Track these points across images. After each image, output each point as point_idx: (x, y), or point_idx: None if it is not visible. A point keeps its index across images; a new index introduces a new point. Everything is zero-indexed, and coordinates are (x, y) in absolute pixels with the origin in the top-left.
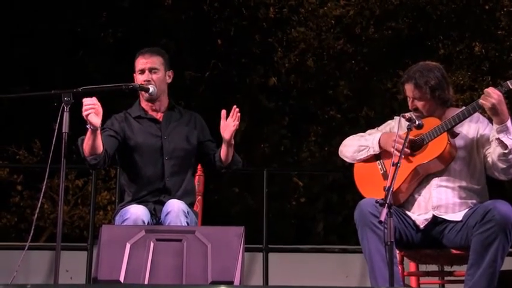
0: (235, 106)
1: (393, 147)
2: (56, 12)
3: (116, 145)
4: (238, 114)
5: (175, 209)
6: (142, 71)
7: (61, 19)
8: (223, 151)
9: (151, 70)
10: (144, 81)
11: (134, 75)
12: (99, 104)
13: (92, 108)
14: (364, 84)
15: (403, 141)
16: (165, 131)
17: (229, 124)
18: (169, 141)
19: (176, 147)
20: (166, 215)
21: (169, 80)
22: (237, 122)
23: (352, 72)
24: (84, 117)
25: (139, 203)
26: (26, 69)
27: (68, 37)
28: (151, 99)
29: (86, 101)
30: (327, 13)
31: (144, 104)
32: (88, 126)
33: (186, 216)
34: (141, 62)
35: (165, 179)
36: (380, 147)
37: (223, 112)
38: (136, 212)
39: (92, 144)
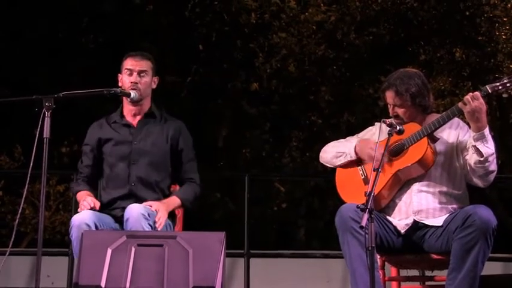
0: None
1: (368, 155)
2: (37, 16)
3: (94, 160)
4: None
5: (134, 214)
6: (130, 72)
7: (42, 23)
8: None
9: (140, 73)
10: (132, 82)
11: (119, 75)
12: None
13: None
14: (345, 89)
15: (379, 149)
16: (136, 137)
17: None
18: (139, 147)
19: (144, 153)
20: (126, 221)
21: (154, 86)
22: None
23: (333, 77)
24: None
25: (110, 210)
26: (6, 73)
27: (48, 41)
28: (135, 101)
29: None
30: (308, 19)
31: (126, 109)
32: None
33: (147, 219)
34: (131, 63)
35: (129, 184)
36: (356, 153)
37: None
38: (79, 218)
39: None
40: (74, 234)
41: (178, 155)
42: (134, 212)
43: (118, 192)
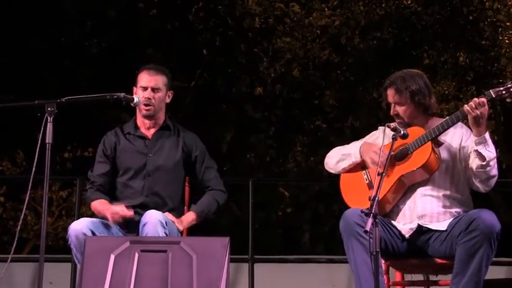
0: None
1: (371, 158)
2: (41, 21)
3: (109, 169)
4: None
5: (152, 220)
6: (145, 88)
7: (46, 28)
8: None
9: (154, 89)
10: (146, 98)
11: (134, 88)
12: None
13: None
14: (349, 94)
15: (384, 153)
16: (151, 149)
17: None
18: (153, 160)
19: (159, 166)
20: (143, 226)
21: (168, 100)
22: None
23: (337, 82)
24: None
25: None
26: (10, 78)
27: (52, 46)
28: (148, 116)
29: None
30: (312, 23)
31: (139, 121)
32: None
33: (164, 227)
34: (146, 79)
35: (143, 196)
36: (361, 155)
37: None
38: (76, 228)
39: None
40: (73, 243)
41: (193, 164)
42: (153, 218)
43: (131, 203)
